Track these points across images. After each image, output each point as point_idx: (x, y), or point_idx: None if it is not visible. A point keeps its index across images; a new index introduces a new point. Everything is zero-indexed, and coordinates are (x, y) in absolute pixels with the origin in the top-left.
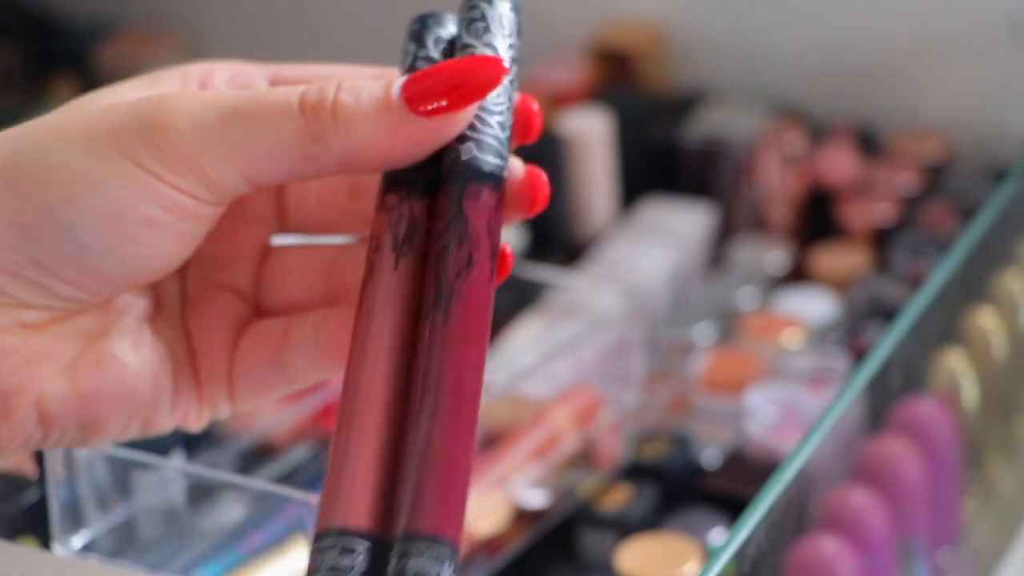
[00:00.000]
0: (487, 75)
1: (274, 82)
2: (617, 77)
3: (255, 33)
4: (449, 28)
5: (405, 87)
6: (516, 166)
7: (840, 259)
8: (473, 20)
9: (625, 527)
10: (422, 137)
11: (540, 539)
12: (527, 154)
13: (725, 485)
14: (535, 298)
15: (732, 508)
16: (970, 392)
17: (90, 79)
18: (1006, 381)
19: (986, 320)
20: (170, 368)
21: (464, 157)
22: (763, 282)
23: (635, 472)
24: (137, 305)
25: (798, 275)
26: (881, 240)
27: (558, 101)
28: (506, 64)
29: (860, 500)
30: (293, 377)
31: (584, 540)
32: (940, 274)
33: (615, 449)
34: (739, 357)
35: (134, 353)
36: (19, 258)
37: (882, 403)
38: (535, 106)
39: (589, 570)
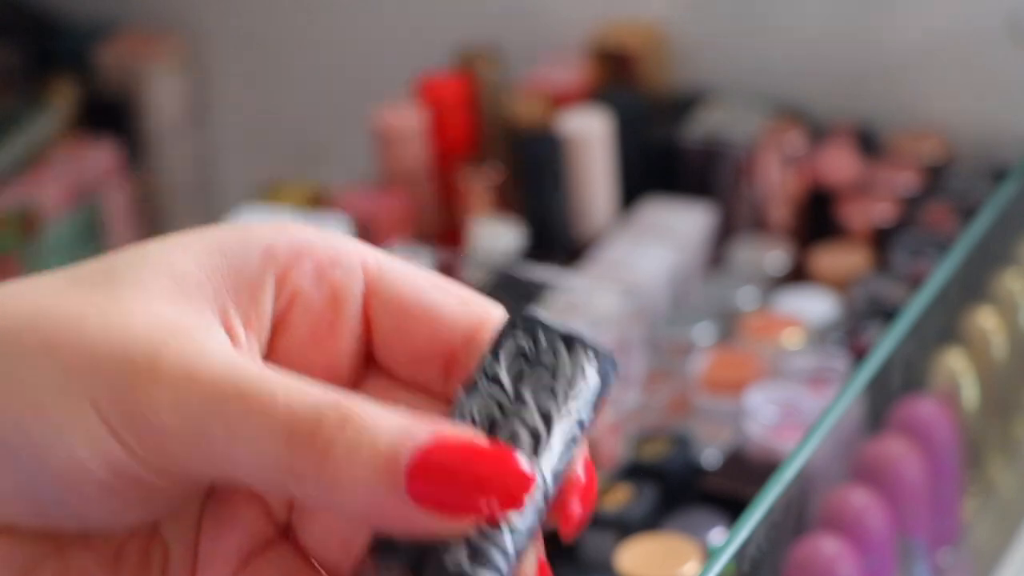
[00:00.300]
0: (506, 489)
1: (371, 289)
2: (617, 77)
3: (255, 33)
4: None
5: (414, 465)
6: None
7: (840, 259)
8: (536, 364)
9: (625, 527)
10: (409, 525)
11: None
12: (527, 155)
13: (725, 485)
14: (535, 298)
15: (732, 508)
16: (970, 392)
17: (90, 79)
18: (1006, 381)
19: (986, 320)
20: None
21: (449, 568)
22: (763, 282)
23: (635, 472)
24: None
25: (798, 275)
26: (881, 240)
27: (558, 101)
28: (545, 475)
29: (860, 500)
30: None
31: (584, 540)
32: (940, 274)
33: (615, 449)
34: (739, 357)
35: None
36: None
37: (882, 403)
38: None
39: (589, 570)
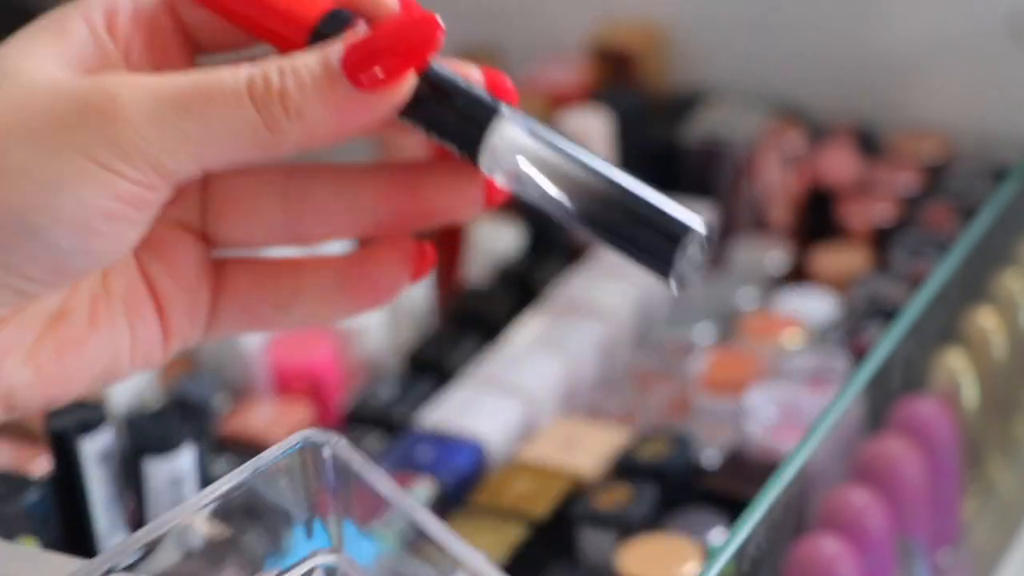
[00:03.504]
0: (422, 36)
1: (171, 9)
2: (617, 77)
3: None
4: None
5: (345, 63)
6: None
7: (840, 259)
8: None
9: (625, 527)
10: (369, 113)
11: (540, 539)
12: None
13: (725, 485)
14: (536, 298)
15: (732, 508)
16: (970, 392)
17: None
18: (1006, 381)
19: (986, 320)
20: (127, 325)
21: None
22: (763, 282)
23: (635, 472)
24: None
25: (798, 275)
26: (881, 240)
27: (558, 101)
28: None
29: (860, 500)
30: (294, 318)
31: (584, 540)
32: (940, 274)
33: None
34: (739, 357)
35: (91, 328)
36: None
37: (882, 403)
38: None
39: (589, 570)
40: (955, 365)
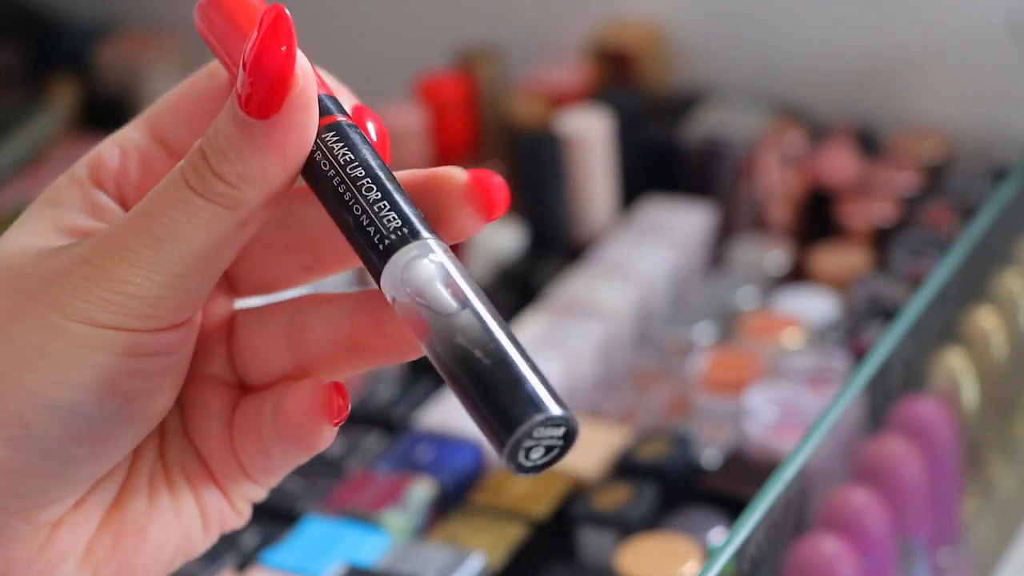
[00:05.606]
0: (275, 29)
1: (158, 138)
2: (617, 77)
3: None
4: None
5: (243, 105)
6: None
7: (840, 259)
8: None
9: (625, 527)
10: (296, 129)
11: (540, 539)
12: (527, 155)
13: (725, 485)
14: (536, 298)
15: (732, 508)
16: (970, 392)
17: (90, 79)
18: (1006, 381)
19: (986, 320)
20: (190, 497)
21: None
22: (763, 282)
23: (635, 472)
24: (144, 449)
25: (798, 275)
26: (881, 240)
27: (558, 101)
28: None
29: (860, 500)
30: (274, 456)
31: (584, 540)
32: (940, 274)
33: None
34: (739, 357)
35: (151, 513)
36: (27, 457)
37: (882, 403)
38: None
39: (589, 570)
40: (955, 365)
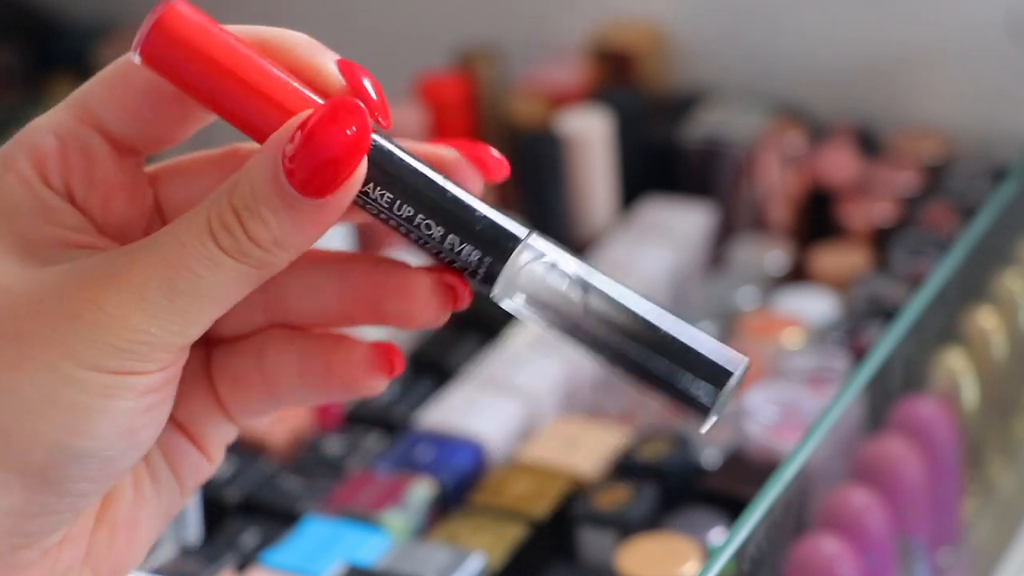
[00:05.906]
0: (351, 123)
1: (94, 125)
2: (617, 77)
3: None
4: None
5: (293, 181)
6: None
7: (840, 259)
8: None
9: (625, 527)
10: (338, 207)
11: (540, 539)
12: (527, 155)
13: (725, 485)
14: None
15: (732, 508)
16: (970, 392)
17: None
18: (1006, 381)
19: (986, 320)
20: (168, 473)
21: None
22: (763, 282)
23: (635, 472)
24: None
25: (798, 275)
26: (881, 240)
27: (558, 101)
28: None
29: (860, 500)
30: (295, 400)
31: (584, 540)
32: (940, 274)
33: None
34: None
35: (137, 503)
36: (43, 499)
37: (882, 403)
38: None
39: (589, 570)
40: (955, 365)
